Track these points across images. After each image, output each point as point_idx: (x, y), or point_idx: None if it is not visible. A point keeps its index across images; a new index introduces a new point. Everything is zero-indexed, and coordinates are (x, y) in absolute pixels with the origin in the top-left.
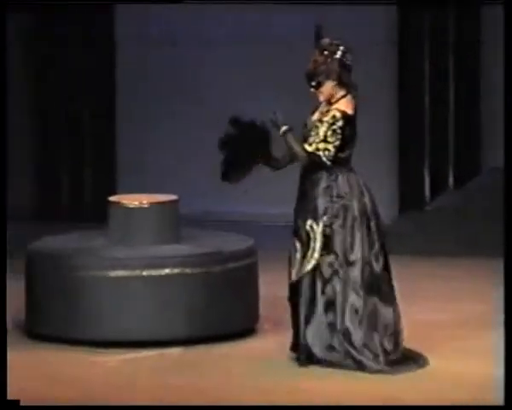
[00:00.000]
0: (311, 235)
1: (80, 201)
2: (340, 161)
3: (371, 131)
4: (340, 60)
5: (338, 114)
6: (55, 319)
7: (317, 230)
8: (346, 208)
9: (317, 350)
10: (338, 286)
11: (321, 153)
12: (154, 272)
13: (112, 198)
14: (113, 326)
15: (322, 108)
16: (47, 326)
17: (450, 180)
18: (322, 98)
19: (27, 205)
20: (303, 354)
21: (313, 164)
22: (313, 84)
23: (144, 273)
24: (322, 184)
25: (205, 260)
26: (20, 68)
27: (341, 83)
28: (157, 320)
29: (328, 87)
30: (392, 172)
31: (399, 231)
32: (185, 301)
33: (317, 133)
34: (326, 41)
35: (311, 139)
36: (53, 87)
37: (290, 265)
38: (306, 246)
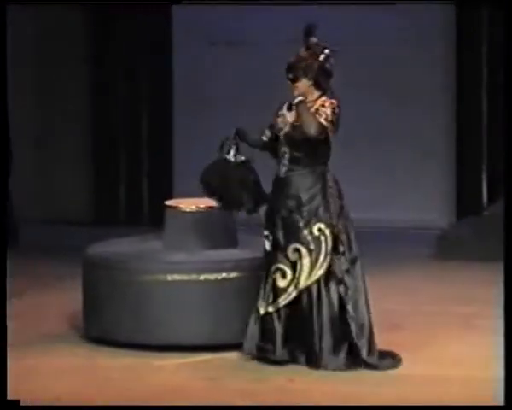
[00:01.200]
0: (322, 238)
1: (137, 205)
2: (327, 159)
3: (428, 136)
4: (322, 62)
5: (335, 102)
6: (112, 324)
7: (327, 232)
8: (341, 207)
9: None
10: (351, 284)
11: (330, 133)
12: (210, 277)
13: (168, 202)
14: (170, 330)
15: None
16: (104, 330)
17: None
18: (295, 93)
19: (85, 210)
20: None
21: (302, 159)
22: (290, 76)
23: (201, 277)
24: (317, 185)
25: (261, 264)
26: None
27: (317, 85)
28: (214, 324)
29: (304, 84)
30: (449, 178)
31: (457, 237)
32: (242, 305)
33: (325, 113)
34: (314, 40)
35: (321, 114)
36: (112, 93)
37: (276, 278)
38: (317, 251)
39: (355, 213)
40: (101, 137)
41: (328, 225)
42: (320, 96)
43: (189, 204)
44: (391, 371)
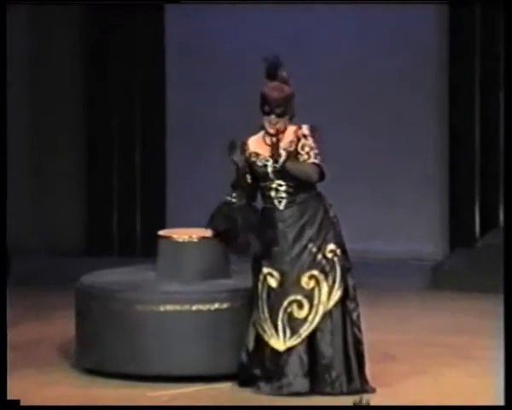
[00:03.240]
0: (335, 259)
1: (130, 235)
2: None
3: (422, 167)
4: (293, 96)
5: (309, 126)
6: (105, 354)
7: (339, 251)
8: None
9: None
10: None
11: (323, 165)
12: (203, 307)
13: (161, 232)
14: (164, 361)
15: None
16: (96, 361)
17: (501, 217)
18: (273, 129)
19: (77, 240)
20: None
21: (299, 187)
22: (278, 111)
23: (193, 308)
24: (319, 207)
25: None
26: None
27: (292, 118)
28: (206, 355)
29: (287, 118)
30: (443, 209)
31: (450, 268)
32: (235, 336)
33: (311, 148)
34: (285, 74)
35: (310, 155)
36: (104, 117)
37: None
38: (333, 273)
39: (348, 244)
40: (94, 167)
41: (339, 245)
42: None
43: (182, 234)
44: (386, 401)
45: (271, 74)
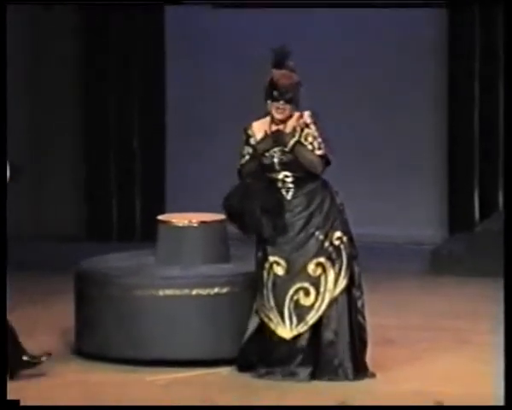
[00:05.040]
0: (342, 246)
1: (129, 220)
2: None
3: (421, 152)
4: (301, 84)
5: (310, 113)
6: (104, 339)
7: (345, 238)
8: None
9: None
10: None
11: (327, 154)
12: (202, 292)
13: (161, 217)
14: (163, 345)
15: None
16: (95, 346)
17: (500, 201)
18: (281, 115)
19: (76, 225)
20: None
21: (306, 177)
22: (287, 97)
23: (193, 292)
24: (326, 195)
25: (253, 279)
26: (71, 83)
27: (296, 106)
28: (206, 339)
29: (292, 105)
30: (442, 194)
31: (449, 252)
32: (234, 320)
33: (314, 137)
34: (292, 63)
35: (314, 145)
36: (102, 105)
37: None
38: (339, 260)
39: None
40: (92, 151)
41: (345, 232)
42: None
43: (182, 219)
44: (386, 387)
45: (279, 63)
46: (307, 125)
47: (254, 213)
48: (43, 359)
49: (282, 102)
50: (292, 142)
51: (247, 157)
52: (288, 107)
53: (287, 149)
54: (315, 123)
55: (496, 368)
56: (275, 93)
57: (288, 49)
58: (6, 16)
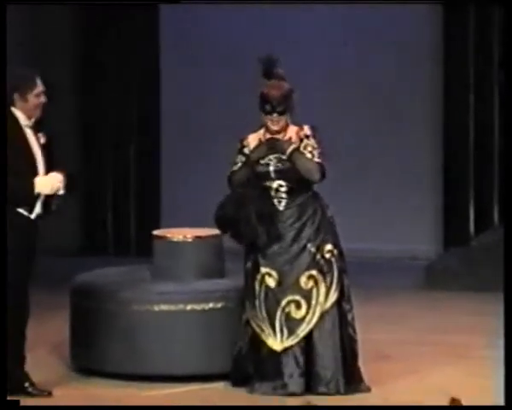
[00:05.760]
0: (333, 259)
1: (125, 235)
2: None
3: (416, 166)
4: (293, 91)
5: (310, 126)
6: (99, 354)
7: (336, 251)
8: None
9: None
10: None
11: (325, 165)
12: (197, 307)
13: (156, 232)
14: (158, 360)
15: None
16: (91, 360)
17: (496, 216)
18: (277, 127)
19: (72, 240)
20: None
21: (300, 188)
22: (280, 109)
23: (188, 307)
24: (317, 208)
25: (242, 290)
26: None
27: (292, 114)
28: (201, 354)
29: (286, 116)
30: (437, 208)
31: (444, 267)
32: (229, 336)
33: (313, 147)
34: (281, 71)
35: (314, 153)
36: (98, 117)
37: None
38: (331, 273)
39: (343, 243)
40: (89, 165)
41: (336, 245)
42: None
43: (177, 234)
44: (380, 401)
45: (268, 73)
46: (307, 137)
47: (250, 220)
48: (44, 394)
49: (275, 114)
50: (290, 148)
51: (239, 164)
52: (282, 118)
53: (284, 157)
54: (314, 136)
55: (494, 382)
56: (267, 107)
57: (276, 57)
58: (6, 16)
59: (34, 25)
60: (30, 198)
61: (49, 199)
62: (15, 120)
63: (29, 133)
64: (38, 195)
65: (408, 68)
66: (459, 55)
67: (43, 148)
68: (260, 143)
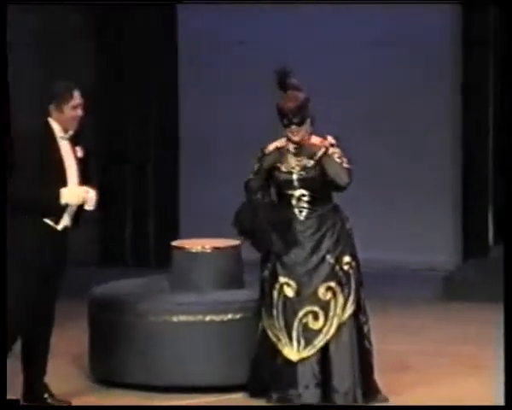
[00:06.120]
0: (351, 271)
1: (143, 245)
2: None
3: (434, 176)
4: (309, 100)
5: (333, 136)
6: (118, 364)
7: (354, 263)
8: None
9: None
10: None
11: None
12: (216, 318)
13: (174, 243)
14: (176, 371)
15: (295, 149)
16: (110, 371)
17: None
18: (297, 137)
19: (91, 250)
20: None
21: (322, 198)
22: (296, 120)
23: (207, 318)
24: (337, 219)
25: (258, 299)
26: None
27: (313, 120)
28: (220, 365)
29: (307, 125)
30: (456, 219)
31: (463, 278)
32: (248, 347)
33: (341, 154)
34: (295, 80)
35: (342, 160)
36: (117, 125)
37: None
38: (348, 285)
39: (361, 254)
40: (107, 176)
41: (354, 257)
42: (311, 134)
43: (195, 245)
44: None
45: (282, 85)
46: (332, 145)
47: (263, 229)
48: (63, 405)
49: (293, 126)
50: (321, 151)
51: (256, 172)
52: (301, 128)
53: (310, 164)
54: (338, 146)
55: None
56: (284, 120)
57: (289, 69)
58: (6, 16)
59: (47, 26)
60: (55, 208)
61: (79, 212)
62: (51, 131)
63: (64, 145)
64: (66, 206)
65: (426, 69)
66: (479, 56)
67: (80, 162)
68: (272, 151)
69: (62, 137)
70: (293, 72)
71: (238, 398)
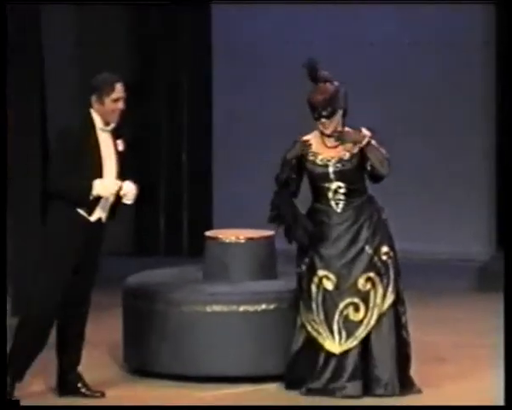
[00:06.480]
0: (389, 261)
1: (177, 236)
2: None
3: (468, 167)
4: (342, 88)
5: (367, 128)
6: (151, 354)
7: (392, 253)
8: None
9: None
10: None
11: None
12: (250, 308)
13: (208, 233)
14: (210, 361)
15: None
16: (143, 361)
17: None
18: (329, 130)
19: (124, 240)
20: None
21: (357, 189)
22: (326, 113)
23: (241, 309)
24: (373, 210)
25: (295, 293)
26: None
27: (345, 112)
28: (253, 356)
29: (338, 116)
30: (490, 210)
31: (498, 269)
32: (281, 337)
33: (379, 144)
34: (325, 72)
35: (382, 150)
36: (151, 117)
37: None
38: (387, 275)
39: (397, 245)
40: (140, 167)
41: (391, 247)
42: (344, 125)
43: (229, 235)
44: (433, 403)
45: (312, 77)
46: (370, 136)
47: (289, 224)
48: (97, 395)
49: (323, 119)
50: (366, 139)
51: (282, 163)
52: (332, 120)
53: (347, 156)
54: (374, 137)
55: None
56: (314, 114)
57: (316, 61)
58: (6, 16)
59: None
60: (87, 199)
61: (116, 205)
62: (91, 121)
63: (104, 137)
64: (99, 198)
65: (460, 69)
66: None
67: (120, 155)
68: (295, 144)
69: (103, 129)
70: (329, 69)
71: (272, 388)
